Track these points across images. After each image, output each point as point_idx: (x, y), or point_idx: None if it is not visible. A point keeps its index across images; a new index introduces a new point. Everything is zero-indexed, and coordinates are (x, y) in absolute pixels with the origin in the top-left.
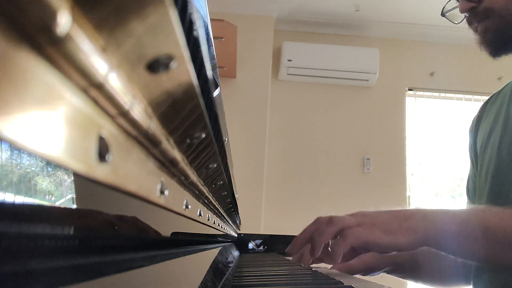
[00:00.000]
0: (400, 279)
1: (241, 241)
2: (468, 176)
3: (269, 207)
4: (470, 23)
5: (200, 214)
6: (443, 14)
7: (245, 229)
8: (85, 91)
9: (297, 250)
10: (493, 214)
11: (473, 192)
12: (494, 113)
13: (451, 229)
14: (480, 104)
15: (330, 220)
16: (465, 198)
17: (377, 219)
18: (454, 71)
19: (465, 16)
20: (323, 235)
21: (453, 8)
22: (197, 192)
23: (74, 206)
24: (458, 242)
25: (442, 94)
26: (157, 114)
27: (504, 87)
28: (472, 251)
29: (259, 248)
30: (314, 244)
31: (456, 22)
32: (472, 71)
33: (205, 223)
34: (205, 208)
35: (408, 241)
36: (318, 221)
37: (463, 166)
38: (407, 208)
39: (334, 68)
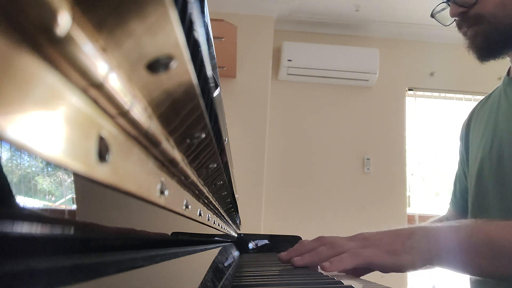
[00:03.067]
0: (400, 280)
1: (241, 241)
2: (456, 176)
3: (269, 207)
4: (459, 27)
5: (200, 214)
6: (432, 16)
7: (245, 229)
8: (85, 91)
9: (288, 261)
10: (497, 227)
11: (459, 192)
12: (485, 117)
13: (455, 246)
14: None
15: (331, 244)
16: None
17: (380, 241)
18: (454, 71)
19: (455, 20)
20: (319, 257)
21: (442, 10)
22: (197, 192)
23: (74, 206)
24: (463, 259)
25: (442, 94)
26: (157, 114)
27: (493, 91)
28: (478, 266)
29: (259, 245)
30: (304, 257)
31: (446, 24)
32: (472, 71)
33: (205, 223)
34: (205, 208)
35: (412, 261)
36: (319, 240)
37: None
38: (407, 225)
39: (334, 68)
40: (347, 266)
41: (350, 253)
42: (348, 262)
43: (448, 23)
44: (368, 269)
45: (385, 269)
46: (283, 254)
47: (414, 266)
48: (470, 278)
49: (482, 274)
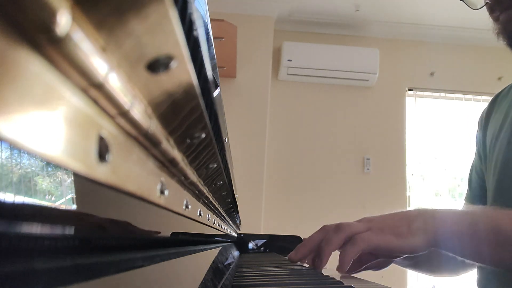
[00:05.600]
0: (400, 280)
1: (241, 241)
2: (472, 166)
3: (269, 207)
4: (491, 11)
5: (200, 214)
6: None
7: (245, 229)
8: (85, 91)
9: (300, 259)
10: (505, 216)
11: (476, 182)
12: (505, 108)
13: (461, 230)
14: (480, 104)
15: (337, 227)
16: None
17: (385, 223)
18: (454, 71)
19: (487, 2)
20: (331, 244)
21: None
22: (197, 192)
23: (74, 206)
24: (468, 244)
25: (442, 94)
26: (157, 114)
27: None
28: (482, 253)
29: (259, 245)
30: (321, 253)
31: (475, 8)
32: (472, 71)
33: (205, 223)
34: (205, 208)
35: (420, 243)
36: (324, 229)
37: (463, 166)
38: (410, 209)
39: (334, 68)
40: (355, 255)
41: (354, 241)
42: (354, 250)
43: (478, 7)
44: (374, 255)
45: (391, 252)
46: (292, 256)
47: (421, 248)
48: (476, 279)
49: (485, 262)
